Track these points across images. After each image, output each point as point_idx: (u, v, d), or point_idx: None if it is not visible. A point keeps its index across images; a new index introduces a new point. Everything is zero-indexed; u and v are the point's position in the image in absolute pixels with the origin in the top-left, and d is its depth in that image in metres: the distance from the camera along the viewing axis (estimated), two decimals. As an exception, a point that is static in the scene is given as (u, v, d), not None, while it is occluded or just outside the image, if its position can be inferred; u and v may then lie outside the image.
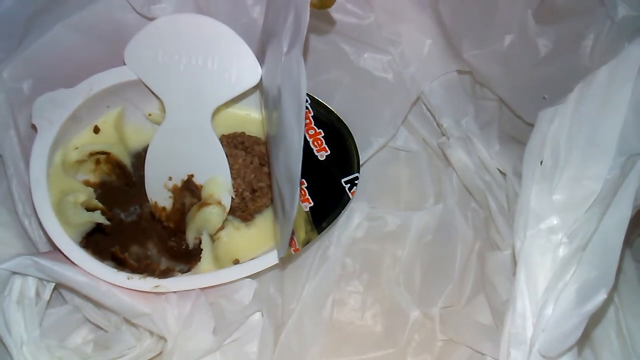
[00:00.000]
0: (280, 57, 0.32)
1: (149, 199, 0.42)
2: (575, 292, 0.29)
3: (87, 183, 0.41)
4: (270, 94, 0.35)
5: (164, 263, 0.41)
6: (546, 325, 0.29)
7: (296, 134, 0.29)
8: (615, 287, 0.36)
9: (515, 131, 0.45)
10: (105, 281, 0.36)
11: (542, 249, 0.31)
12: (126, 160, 0.42)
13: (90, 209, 0.39)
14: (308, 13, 0.29)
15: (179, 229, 0.42)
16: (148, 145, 0.41)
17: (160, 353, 0.38)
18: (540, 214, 0.31)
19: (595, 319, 0.36)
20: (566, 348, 0.29)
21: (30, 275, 0.36)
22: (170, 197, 0.42)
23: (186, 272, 0.40)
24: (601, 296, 0.28)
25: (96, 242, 0.40)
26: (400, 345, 0.43)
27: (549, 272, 0.30)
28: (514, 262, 0.41)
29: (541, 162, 0.33)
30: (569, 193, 0.31)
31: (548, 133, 0.34)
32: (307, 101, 0.41)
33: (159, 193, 0.42)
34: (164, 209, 0.42)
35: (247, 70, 0.39)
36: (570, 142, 0.33)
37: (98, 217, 0.39)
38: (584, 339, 0.35)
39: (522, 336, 0.30)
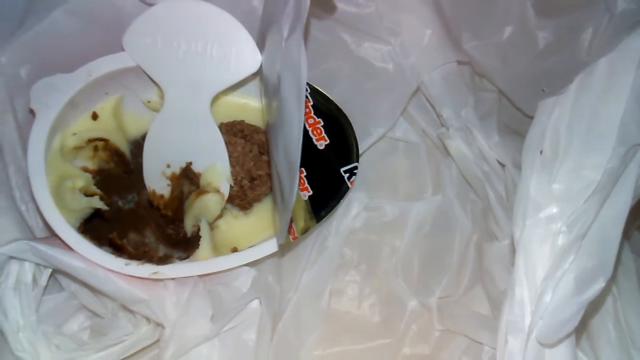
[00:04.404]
0: (280, 43, 0.32)
1: (146, 186, 0.42)
2: (574, 281, 0.29)
3: (85, 170, 0.41)
4: (270, 82, 0.35)
5: (162, 250, 0.41)
6: (544, 312, 0.29)
7: (296, 119, 0.29)
8: (613, 279, 0.37)
9: (515, 123, 0.45)
10: (103, 267, 0.36)
11: (541, 238, 0.31)
12: (124, 148, 0.42)
13: (88, 194, 0.39)
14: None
15: (177, 217, 0.42)
16: (146, 133, 0.41)
17: (158, 340, 0.38)
18: (539, 203, 0.31)
19: (593, 309, 0.36)
20: (564, 335, 0.29)
21: (27, 261, 0.36)
22: (168, 184, 0.41)
23: (184, 259, 0.40)
24: (599, 285, 0.29)
25: (94, 228, 0.39)
26: (397, 335, 0.43)
27: (547, 261, 0.30)
28: (512, 252, 0.41)
29: (541, 152, 0.33)
30: (569, 183, 0.31)
31: (548, 123, 0.34)
32: (306, 90, 0.41)
33: (157, 181, 0.41)
34: (161, 196, 0.42)
35: (247, 57, 0.38)
36: (570, 132, 0.33)
37: (97, 203, 0.39)
38: (582, 329, 0.35)
39: (520, 324, 0.30)
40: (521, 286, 0.30)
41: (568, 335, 0.29)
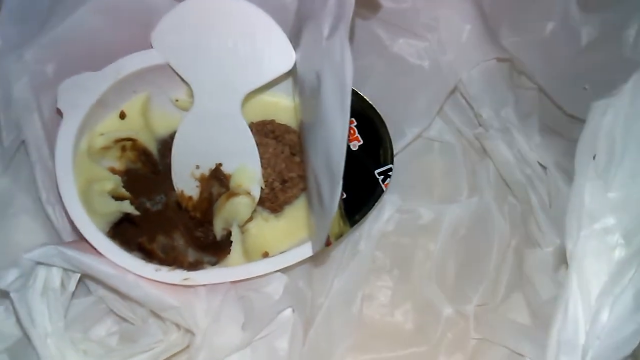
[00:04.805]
0: (320, 41, 0.30)
1: (175, 187, 0.40)
2: (633, 298, 0.27)
3: (112, 170, 0.40)
4: (307, 80, 0.34)
5: (192, 254, 0.40)
6: (601, 332, 0.27)
7: (339, 125, 0.27)
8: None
9: (556, 123, 0.43)
10: (133, 273, 0.35)
11: (597, 251, 0.29)
12: (152, 147, 0.41)
13: (117, 197, 0.38)
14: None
15: (206, 219, 0.41)
16: (174, 132, 0.40)
17: (187, 347, 0.37)
18: (594, 213, 0.30)
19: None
20: (622, 357, 0.27)
21: (55, 266, 0.35)
22: (197, 186, 0.40)
23: (214, 264, 0.39)
24: (661, 302, 0.27)
25: (123, 232, 0.38)
26: (432, 343, 0.41)
27: (603, 276, 0.28)
28: (556, 261, 0.39)
29: (594, 157, 0.32)
30: (626, 191, 0.30)
31: (601, 126, 0.32)
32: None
33: (185, 182, 0.40)
34: (190, 198, 0.41)
35: (281, 54, 0.37)
36: (626, 137, 0.31)
37: (127, 207, 0.37)
38: None
39: (574, 343, 0.28)
40: (575, 303, 0.28)
41: (626, 357, 0.27)
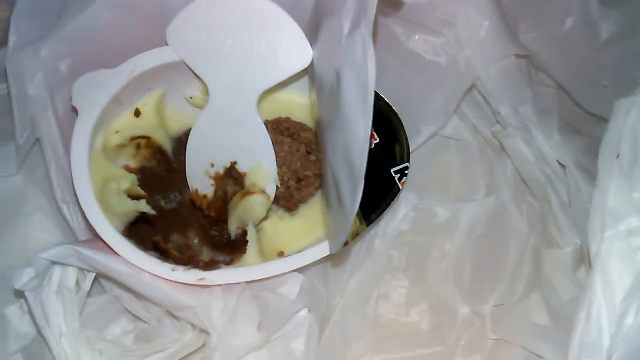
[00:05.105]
0: (340, 39, 0.30)
1: (189, 186, 0.40)
2: (659, 301, 0.27)
3: (127, 168, 0.40)
4: (325, 78, 0.33)
5: (207, 253, 0.40)
6: (627, 335, 0.27)
7: (362, 126, 0.26)
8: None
9: (576, 121, 0.42)
10: (150, 273, 0.35)
11: (621, 253, 0.28)
12: (167, 145, 0.41)
13: (133, 196, 0.38)
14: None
15: (221, 218, 0.40)
16: (189, 130, 0.39)
17: (203, 346, 0.37)
18: (619, 214, 0.29)
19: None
20: (648, 361, 0.27)
21: (71, 266, 0.34)
22: (212, 184, 0.40)
23: (229, 263, 0.38)
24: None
25: (139, 231, 0.38)
26: (448, 343, 0.41)
27: (628, 279, 0.28)
28: (576, 261, 0.39)
29: (618, 156, 0.31)
30: (651, 191, 0.29)
31: (625, 125, 0.31)
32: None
33: (200, 180, 0.40)
34: (205, 196, 0.40)
35: (297, 52, 0.36)
36: (651, 136, 0.30)
37: (144, 207, 0.37)
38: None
39: (598, 346, 0.28)
40: (599, 306, 0.28)
41: (653, 361, 0.27)
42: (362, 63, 0.27)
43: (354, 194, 0.28)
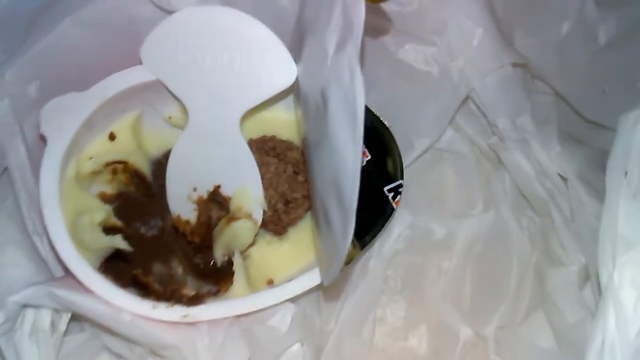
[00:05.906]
0: (325, 58, 0.27)
1: (171, 211, 0.38)
2: (677, 334, 0.25)
3: (103, 195, 0.37)
4: (311, 97, 0.31)
5: (191, 284, 0.37)
6: (644, 372, 0.25)
7: (350, 155, 0.24)
8: None
9: (575, 130, 0.40)
10: (129, 311, 0.33)
11: (635, 281, 0.26)
12: (145, 169, 0.38)
13: (108, 229, 0.35)
14: (363, 7, 0.24)
15: (205, 245, 0.38)
16: (168, 152, 0.37)
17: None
18: (630, 239, 0.27)
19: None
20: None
21: (45, 307, 0.32)
22: (195, 209, 0.38)
23: (215, 293, 0.36)
24: None
25: (116, 265, 0.36)
26: (449, 368, 0.39)
27: (643, 309, 0.26)
28: (581, 280, 0.37)
29: (625, 174, 0.29)
30: (664, 213, 0.27)
31: (632, 140, 0.30)
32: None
33: (182, 205, 0.38)
34: (187, 222, 0.38)
35: (281, 69, 0.34)
36: (661, 152, 0.28)
37: (119, 242, 0.35)
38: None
39: (613, 382, 0.26)
40: (612, 340, 0.26)
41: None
42: (349, 89, 0.24)
43: (345, 231, 0.26)
